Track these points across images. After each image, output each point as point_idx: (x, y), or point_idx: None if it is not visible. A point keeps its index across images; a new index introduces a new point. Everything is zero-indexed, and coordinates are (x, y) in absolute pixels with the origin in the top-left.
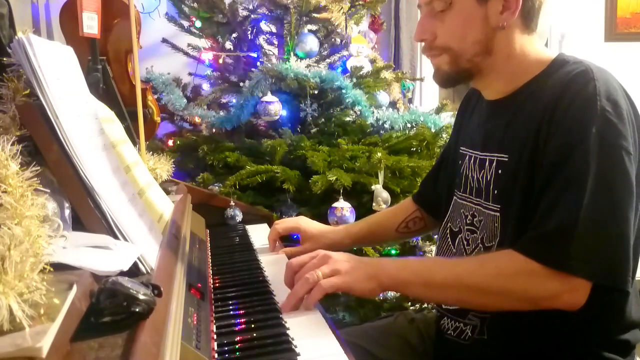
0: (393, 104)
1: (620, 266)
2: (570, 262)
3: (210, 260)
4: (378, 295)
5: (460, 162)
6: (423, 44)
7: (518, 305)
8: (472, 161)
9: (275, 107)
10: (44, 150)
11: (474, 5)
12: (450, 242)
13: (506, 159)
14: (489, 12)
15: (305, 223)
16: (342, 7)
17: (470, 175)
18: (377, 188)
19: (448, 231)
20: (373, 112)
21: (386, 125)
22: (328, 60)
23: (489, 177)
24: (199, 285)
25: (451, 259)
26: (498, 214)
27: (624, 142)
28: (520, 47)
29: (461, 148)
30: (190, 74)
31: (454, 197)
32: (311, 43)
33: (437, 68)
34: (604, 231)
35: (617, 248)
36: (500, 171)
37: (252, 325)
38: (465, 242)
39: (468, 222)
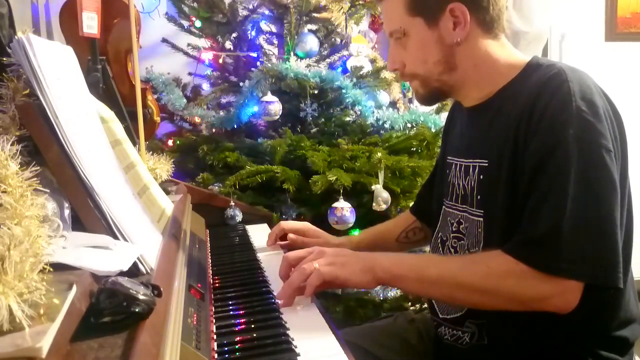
0: (393, 104)
1: (610, 264)
2: (560, 265)
3: (210, 260)
4: (373, 288)
5: (448, 171)
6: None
7: (508, 305)
8: (457, 169)
9: (275, 107)
10: (43, 150)
11: (426, 30)
12: (440, 251)
13: (486, 164)
14: (442, 32)
15: (312, 229)
16: (342, 7)
17: (456, 182)
18: (377, 188)
19: (439, 240)
20: (373, 112)
21: (386, 125)
22: (328, 60)
23: (472, 184)
24: (199, 285)
25: (445, 256)
26: (481, 219)
27: (603, 140)
28: (485, 53)
29: (448, 157)
30: (190, 74)
31: (443, 207)
32: (311, 43)
33: (415, 91)
34: (590, 231)
35: (605, 246)
36: (481, 177)
37: (252, 326)
38: (452, 250)
39: (454, 229)
